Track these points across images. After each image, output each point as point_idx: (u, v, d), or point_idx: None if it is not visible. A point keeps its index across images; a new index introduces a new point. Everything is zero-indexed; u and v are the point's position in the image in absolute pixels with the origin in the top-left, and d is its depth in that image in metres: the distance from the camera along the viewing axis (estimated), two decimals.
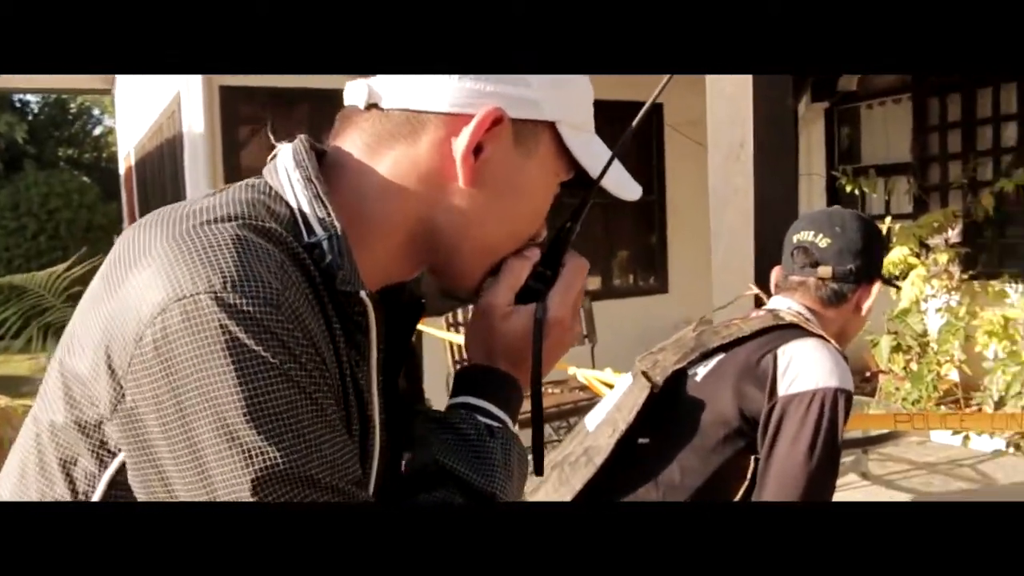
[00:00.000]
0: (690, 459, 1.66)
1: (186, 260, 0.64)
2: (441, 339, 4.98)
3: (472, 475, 0.78)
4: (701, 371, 1.73)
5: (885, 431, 4.74)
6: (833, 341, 1.69)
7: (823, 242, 1.73)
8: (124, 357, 0.64)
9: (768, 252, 1.98)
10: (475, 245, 0.83)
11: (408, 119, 0.78)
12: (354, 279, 0.72)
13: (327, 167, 0.80)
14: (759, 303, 1.80)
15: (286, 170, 0.78)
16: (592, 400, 3.93)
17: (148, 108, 8.22)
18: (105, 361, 0.65)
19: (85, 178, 16.23)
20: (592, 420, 1.83)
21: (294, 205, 0.75)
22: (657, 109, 6.71)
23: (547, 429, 5.34)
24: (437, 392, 4.30)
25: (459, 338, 5.06)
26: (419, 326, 3.67)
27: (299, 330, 0.65)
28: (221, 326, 0.62)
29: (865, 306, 1.74)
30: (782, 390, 1.60)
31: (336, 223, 0.73)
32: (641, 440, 1.73)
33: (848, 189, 6.09)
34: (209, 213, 0.70)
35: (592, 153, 0.85)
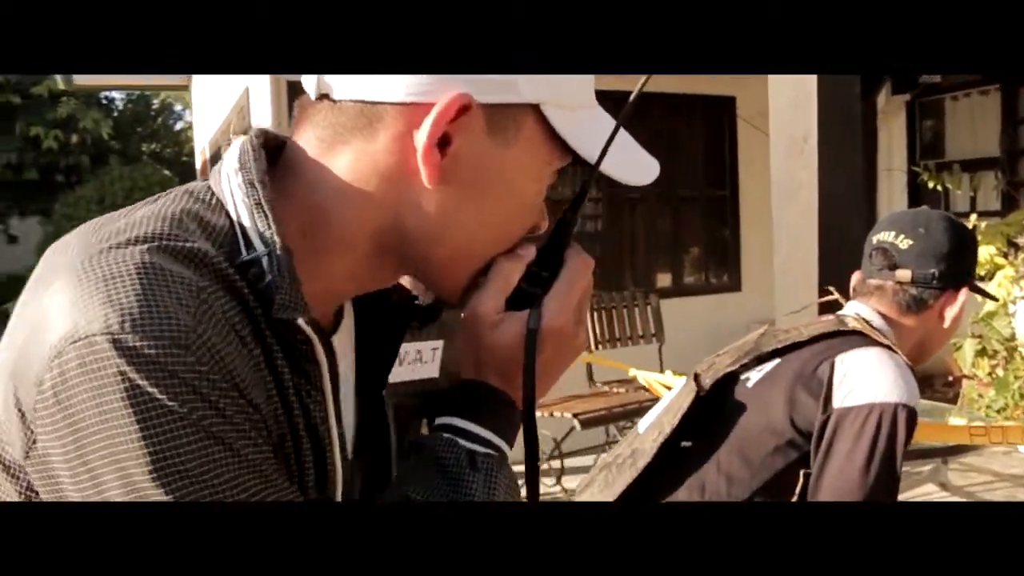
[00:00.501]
0: (738, 469, 1.58)
1: (84, 293, 0.58)
2: None
3: None
4: (754, 376, 1.65)
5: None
6: (901, 352, 1.58)
7: (904, 243, 1.61)
8: (29, 400, 0.58)
9: (833, 252, 1.87)
10: (453, 250, 0.73)
11: (362, 111, 0.69)
12: (294, 304, 0.64)
13: (282, 166, 0.72)
14: (835, 308, 1.68)
15: (228, 174, 0.69)
16: (657, 400, 3.84)
17: (220, 103, 8.36)
18: (14, 402, 0.59)
19: (167, 172, 16.67)
20: (644, 422, 1.78)
21: (233, 216, 0.67)
22: (728, 102, 6.55)
23: (612, 429, 5.26)
24: None
25: None
26: None
27: (214, 370, 0.58)
28: (119, 372, 0.55)
29: (949, 315, 1.61)
30: (837, 402, 1.49)
31: (277, 237, 0.65)
32: (684, 444, 1.66)
33: (931, 185, 5.86)
34: (123, 232, 0.62)
35: (590, 134, 0.73)
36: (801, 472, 1.53)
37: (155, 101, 20.14)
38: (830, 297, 1.73)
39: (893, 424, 1.44)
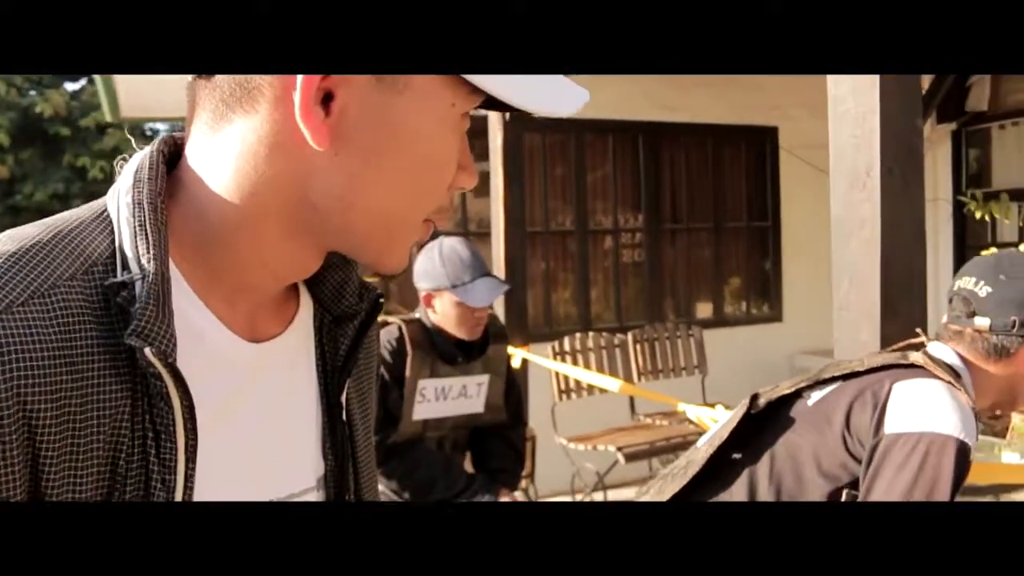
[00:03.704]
0: (790, 483, 1.57)
1: None
2: (547, 369, 4.90)
3: None
4: (815, 396, 1.64)
5: None
6: (987, 397, 1.58)
7: (983, 291, 1.59)
8: None
9: (894, 287, 1.83)
10: (369, 216, 0.67)
11: (237, 82, 0.64)
12: (148, 333, 0.60)
13: (178, 169, 0.69)
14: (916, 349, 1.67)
15: (119, 191, 0.66)
16: (702, 433, 3.80)
17: None
18: None
19: None
20: (703, 439, 1.80)
21: (116, 236, 0.64)
22: (772, 132, 6.52)
23: (655, 462, 5.20)
24: (543, 422, 4.22)
25: (565, 368, 4.97)
26: (525, 354, 3.57)
27: None
28: None
29: None
30: (889, 428, 1.47)
31: (152, 263, 0.62)
32: (735, 455, 1.66)
33: (978, 215, 5.76)
34: None
35: None
36: (845, 492, 1.51)
37: None
38: (916, 340, 1.70)
39: (940, 455, 1.41)
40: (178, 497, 0.62)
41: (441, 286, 2.58)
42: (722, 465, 1.65)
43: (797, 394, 1.67)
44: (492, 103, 0.68)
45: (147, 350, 0.59)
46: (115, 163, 0.71)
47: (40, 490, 0.57)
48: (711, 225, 6.47)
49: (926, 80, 4.32)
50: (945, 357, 1.62)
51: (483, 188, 4.83)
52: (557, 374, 4.97)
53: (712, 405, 3.41)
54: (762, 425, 1.66)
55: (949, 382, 1.51)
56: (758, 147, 6.55)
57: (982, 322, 1.59)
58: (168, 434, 0.62)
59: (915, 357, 1.57)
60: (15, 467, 0.55)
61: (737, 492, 1.61)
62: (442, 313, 2.63)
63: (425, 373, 2.64)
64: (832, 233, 1.88)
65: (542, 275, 5.87)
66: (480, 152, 4.77)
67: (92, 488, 0.59)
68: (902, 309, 1.80)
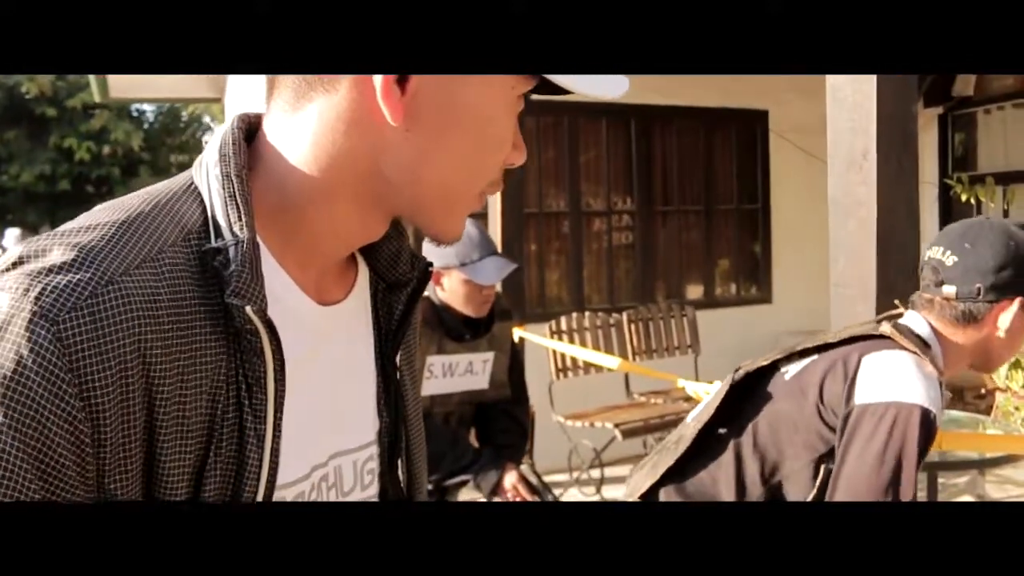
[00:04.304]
0: (772, 455, 1.67)
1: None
2: (544, 347, 4.98)
3: None
4: (792, 369, 1.72)
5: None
6: (961, 362, 1.65)
7: (949, 260, 1.65)
8: None
9: (890, 266, 1.92)
10: (434, 188, 0.74)
11: None
12: (246, 293, 0.66)
13: (257, 143, 0.75)
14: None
15: (207, 165, 0.72)
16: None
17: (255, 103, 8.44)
18: None
19: None
20: (692, 413, 1.89)
21: (207, 206, 0.70)
22: (763, 116, 6.59)
23: (650, 439, 5.30)
24: (540, 400, 4.28)
25: (563, 346, 5.04)
26: (523, 333, 3.63)
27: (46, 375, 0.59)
28: None
29: (1003, 325, 1.63)
30: (859, 398, 1.56)
31: (245, 230, 0.68)
32: (720, 430, 1.74)
33: (964, 198, 5.86)
34: (75, 236, 0.65)
35: None
36: (822, 467, 1.61)
37: (184, 114, 20.36)
38: (895, 312, 1.78)
39: (907, 424, 1.50)
40: (267, 445, 0.68)
41: (450, 264, 2.63)
42: (710, 440, 1.74)
43: (775, 367, 1.75)
44: (545, 88, 0.74)
45: (247, 308, 0.66)
46: (201, 138, 0.78)
47: (155, 434, 0.63)
48: (702, 208, 6.55)
49: None
50: (916, 327, 1.68)
51: None
52: (554, 353, 5.05)
53: (710, 382, 3.51)
54: (744, 400, 1.75)
55: (915, 352, 1.58)
56: (749, 131, 6.62)
57: (949, 290, 1.64)
58: (260, 386, 0.68)
59: (884, 329, 1.65)
60: (135, 411, 0.62)
61: (725, 464, 1.70)
62: (450, 290, 2.69)
63: (433, 350, 2.69)
64: (829, 213, 1.97)
65: (536, 256, 5.95)
66: None
67: (197, 435, 0.65)
68: (897, 285, 1.89)
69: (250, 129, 0.77)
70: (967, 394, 7.02)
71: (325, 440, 0.79)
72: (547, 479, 3.51)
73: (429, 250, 2.69)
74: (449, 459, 2.70)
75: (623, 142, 6.22)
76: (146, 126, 19.40)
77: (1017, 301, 1.63)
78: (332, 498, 0.80)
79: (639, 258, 6.30)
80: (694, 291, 6.62)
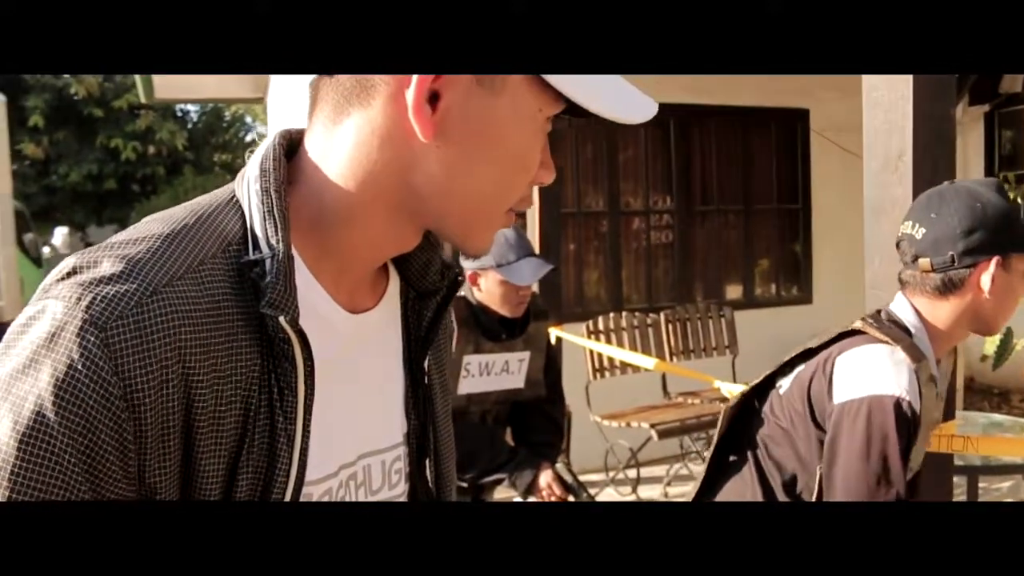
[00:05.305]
0: (787, 467, 1.68)
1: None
2: (581, 347, 4.98)
3: None
4: (785, 383, 1.75)
5: None
6: (961, 328, 1.66)
7: (919, 233, 1.65)
8: None
9: None
10: (463, 202, 0.77)
11: (356, 80, 0.73)
12: (280, 304, 0.69)
13: (298, 157, 0.79)
14: None
15: (248, 180, 0.76)
16: None
17: (296, 116, 8.54)
18: None
19: None
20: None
21: (247, 219, 0.74)
22: (803, 114, 6.54)
23: (686, 440, 5.29)
24: (577, 400, 4.28)
25: (599, 347, 5.05)
26: (560, 333, 3.64)
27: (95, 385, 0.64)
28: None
29: (985, 284, 1.61)
30: (836, 397, 1.59)
31: (281, 244, 0.71)
32: (731, 458, 1.78)
33: (1012, 197, 5.76)
34: (121, 247, 0.69)
35: (576, 77, 0.74)
36: (817, 468, 1.63)
37: (227, 114, 20.65)
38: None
39: (883, 414, 1.52)
40: (297, 444, 0.72)
41: (487, 265, 2.66)
42: (725, 462, 1.78)
43: (771, 382, 1.78)
44: (573, 109, 0.76)
45: (281, 318, 0.69)
46: (244, 154, 0.81)
47: (192, 431, 0.67)
48: (741, 207, 6.51)
49: None
50: (898, 313, 1.68)
51: None
52: (591, 353, 5.06)
53: (746, 383, 3.50)
54: (748, 420, 1.78)
55: (887, 342, 1.59)
56: (789, 129, 6.57)
57: (924, 263, 1.64)
58: (291, 390, 0.72)
59: (857, 324, 1.66)
60: (174, 411, 0.66)
61: (750, 483, 1.72)
62: (487, 291, 2.71)
63: (470, 349, 2.72)
64: (865, 213, 1.96)
65: (574, 255, 5.95)
66: None
67: (231, 434, 0.69)
68: None
69: (291, 144, 0.80)
70: (1014, 397, 6.91)
71: (354, 440, 0.82)
72: (583, 478, 3.52)
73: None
74: (485, 457, 2.73)
75: (662, 141, 6.20)
76: (190, 126, 19.71)
77: (994, 260, 1.61)
78: (361, 496, 0.83)
79: (678, 258, 6.28)
80: (733, 291, 6.58)
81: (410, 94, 0.71)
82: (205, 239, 0.72)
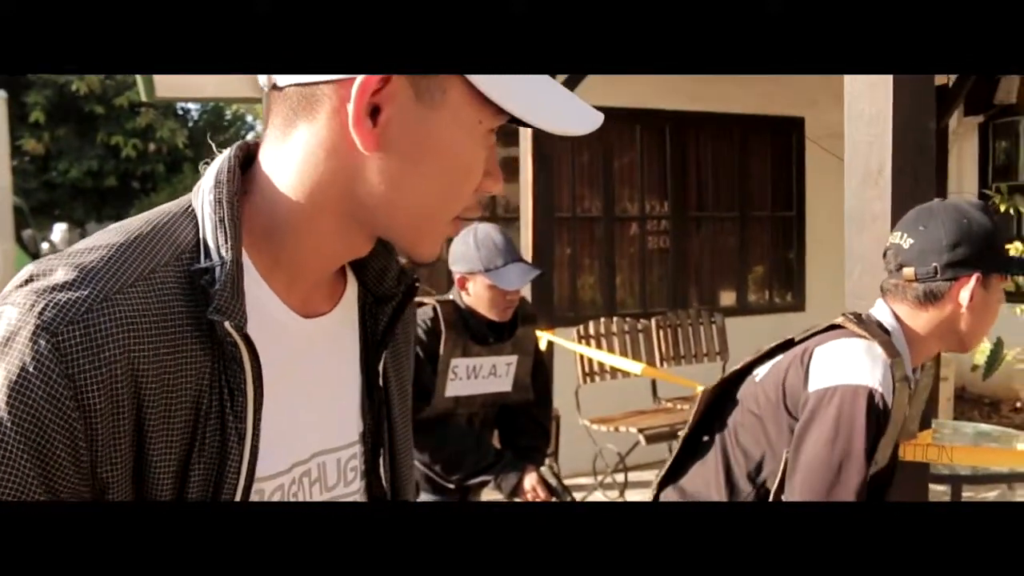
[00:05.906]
0: (753, 454, 1.74)
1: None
2: (572, 352, 5.00)
3: None
4: (761, 371, 1.81)
5: None
6: (934, 341, 1.70)
7: (906, 243, 1.71)
8: None
9: None
10: (407, 212, 0.80)
11: (302, 94, 0.76)
12: (226, 310, 0.72)
13: (252, 169, 0.82)
14: None
15: (204, 190, 0.79)
16: None
17: None
18: None
19: None
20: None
21: (200, 228, 0.77)
22: (798, 122, 6.57)
23: (674, 445, 5.30)
24: (566, 404, 4.30)
25: (590, 351, 5.07)
26: (549, 337, 3.66)
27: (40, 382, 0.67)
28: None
29: (964, 301, 1.66)
30: (811, 386, 1.64)
31: (230, 253, 0.74)
32: (704, 437, 1.85)
33: (1003, 208, 5.79)
34: (78, 256, 0.72)
35: (517, 92, 0.76)
36: (784, 452, 1.68)
37: (227, 112, 20.66)
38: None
39: (854, 403, 1.57)
40: (247, 442, 0.75)
41: (475, 269, 2.68)
42: (697, 446, 1.85)
43: (749, 370, 1.84)
44: (516, 119, 0.79)
45: (226, 323, 0.72)
46: (199, 167, 0.85)
47: (143, 429, 0.70)
48: (736, 214, 6.54)
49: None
50: (880, 315, 1.74)
51: (512, 174, 4.93)
52: (581, 357, 5.08)
53: None
54: (724, 405, 1.83)
55: (865, 337, 1.64)
56: (784, 137, 6.60)
57: (908, 272, 1.69)
58: (240, 391, 0.75)
59: (838, 319, 1.72)
60: (124, 411, 0.69)
61: (713, 467, 1.79)
62: (475, 295, 2.73)
63: (457, 352, 2.74)
64: (845, 225, 1.99)
65: (568, 260, 5.97)
66: (509, 138, 4.87)
67: (181, 433, 0.73)
68: None
69: (248, 156, 0.83)
70: (1004, 407, 6.94)
71: (307, 439, 0.86)
72: (571, 482, 3.54)
73: (455, 256, 2.75)
74: (471, 459, 2.75)
75: (657, 147, 6.23)
76: (190, 124, 19.72)
77: (975, 276, 1.66)
78: (316, 492, 0.86)
79: (672, 264, 6.30)
80: (727, 297, 6.61)
81: (351, 107, 0.74)
82: (158, 248, 0.75)
